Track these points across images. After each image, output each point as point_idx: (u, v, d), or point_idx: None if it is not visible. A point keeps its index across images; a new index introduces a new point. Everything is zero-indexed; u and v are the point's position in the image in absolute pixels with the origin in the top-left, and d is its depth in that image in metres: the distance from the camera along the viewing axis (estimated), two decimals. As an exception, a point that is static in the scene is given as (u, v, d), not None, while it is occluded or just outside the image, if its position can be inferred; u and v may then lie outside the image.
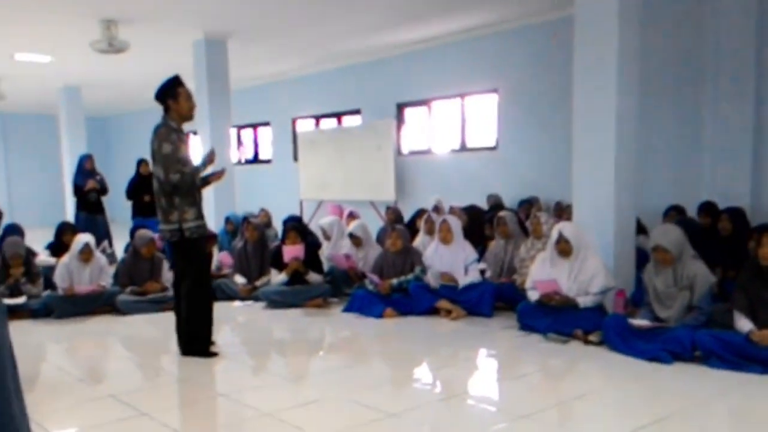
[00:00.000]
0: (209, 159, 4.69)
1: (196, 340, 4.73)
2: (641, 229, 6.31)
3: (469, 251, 6.06)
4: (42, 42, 9.48)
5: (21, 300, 6.09)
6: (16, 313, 5.96)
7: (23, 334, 5.56)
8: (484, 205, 8.57)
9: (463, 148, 10.18)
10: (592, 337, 4.78)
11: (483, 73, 9.66)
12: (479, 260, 6.18)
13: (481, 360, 4.76)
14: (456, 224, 6.15)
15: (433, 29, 9.46)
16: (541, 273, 5.20)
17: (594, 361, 4.47)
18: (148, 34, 8.86)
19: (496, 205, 8.38)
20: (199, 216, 4.63)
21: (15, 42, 9.43)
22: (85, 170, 9.44)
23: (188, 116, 4.63)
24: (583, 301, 4.96)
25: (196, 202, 4.62)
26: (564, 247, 5.08)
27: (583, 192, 5.64)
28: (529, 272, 5.37)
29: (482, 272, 6.11)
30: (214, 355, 4.74)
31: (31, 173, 17.83)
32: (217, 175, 4.78)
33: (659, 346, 4.33)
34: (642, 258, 5.55)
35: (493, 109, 9.71)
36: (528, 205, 8.27)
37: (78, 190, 9.39)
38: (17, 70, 11.37)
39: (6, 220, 7.84)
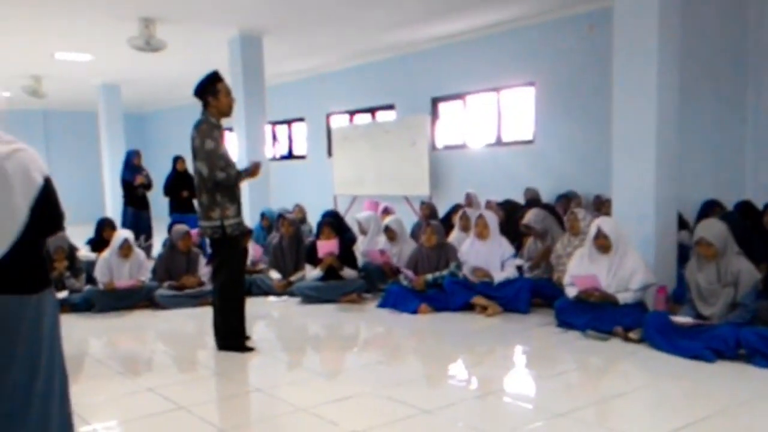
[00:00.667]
0: (252, 172, 4.70)
1: (229, 335, 4.77)
2: (683, 224, 6.16)
3: (505, 246, 5.99)
4: (82, 41, 9.63)
5: (63, 294, 6.22)
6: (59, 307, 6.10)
7: (65, 327, 5.58)
8: (520, 199, 8.46)
9: (499, 142, 10.07)
10: (632, 335, 4.68)
11: (519, 65, 9.53)
12: (515, 256, 6.10)
13: (518, 357, 4.71)
14: (492, 219, 6.09)
15: (467, 22, 9.36)
16: (580, 269, 5.11)
17: (634, 359, 4.38)
18: (184, 31, 8.94)
19: (533, 199, 8.27)
20: (239, 213, 4.67)
21: (55, 41, 9.60)
22: (133, 166, 9.55)
23: (227, 112, 4.65)
24: (623, 298, 4.86)
25: (237, 199, 4.65)
26: (603, 243, 4.98)
27: (623, 186, 5.53)
28: (567, 268, 5.28)
29: (519, 268, 6.03)
30: (249, 350, 4.77)
31: (71, 170, 18.04)
32: (252, 172, 4.75)
33: (702, 344, 4.21)
34: (684, 254, 5.42)
35: (529, 103, 9.58)
36: (566, 199, 8.13)
37: (126, 185, 9.50)
38: (58, 68, 11.59)
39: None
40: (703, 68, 7.34)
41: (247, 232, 4.88)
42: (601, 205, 7.39)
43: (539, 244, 6.22)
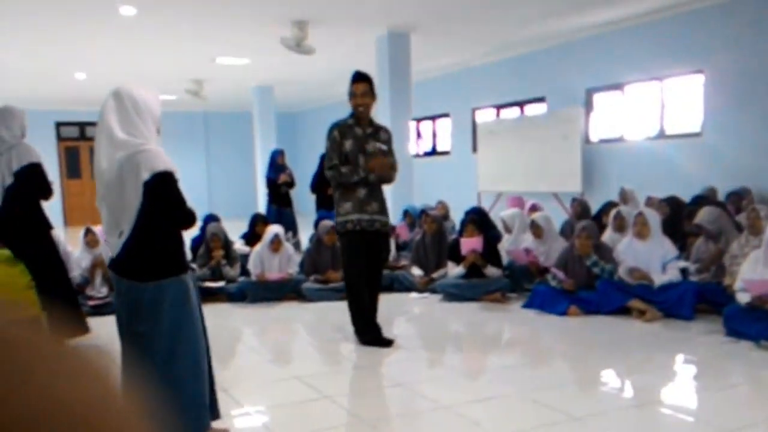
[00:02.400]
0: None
1: (357, 330, 4.83)
2: None
3: (668, 247, 5.51)
4: (240, 46, 10.17)
5: (221, 284, 6.58)
6: (216, 295, 6.46)
7: (222, 316, 5.98)
8: (686, 196, 7.77)
9: (662, 134, 9.38)
10: (817, 348, 4.13)
11: (685, 53, 8.82)
12: (680, 257, 5.60)
13: (679, 367, 4.30)
14: (653, 217, 5.62)
15: (624, 10, 8.82)
16: (754, 273, 4.59)
17: (820, 375, 3.86)
18: (335, 32, 9.16)
19: (702, 196, 7.55)
20: (350, 211, 4.67)
21: (216, 47, 10.21)
22: (277, 165, 9.92)
23: (355, 112, 4.75)
24: (806, 306, 4.30)
25: (350, 198, 4.67)
26: (782, 244, 4.44)
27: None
28: (740, 271, 4.76)
29: (683, 271, 5.53)
30: (387, 343, 4.73)
31: (227, 167, 19.18)
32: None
33: None
34: None
35: (697, 92, 8.84)
36: (737, 197, 7.38)
37: (271, 183, 9.90)
38: (218, 72, 12.33)
39: (205, 212, 8.48)
40: None
41: (377, 230, 4.81)
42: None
43: (710, 246, 5.66)
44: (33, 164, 4.39)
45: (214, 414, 2.95)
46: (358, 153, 4.69)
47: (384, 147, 4.76)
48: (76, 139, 17.55)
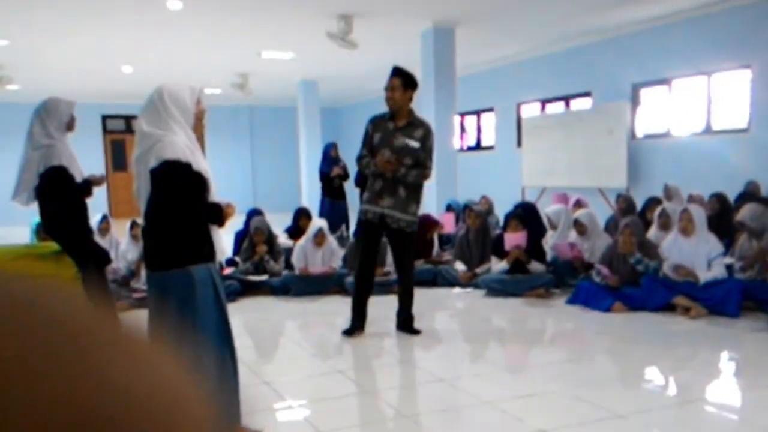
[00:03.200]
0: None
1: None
2: None
3: (713, 244, 5.43)
4: (285, 40, 10.30)
5: (264, 277, 6.68)
6: (259, 289, 6.58)
7: (266, 309, 6.11)
8: (732, 193, 7.63)
9: (708, 130, 9.21)
10: None
11: (733, 48, 8.64)
12: (725, 254, 5.52)
13: (724, 364, 4.26)
14: (699, 214, 5.55)
15: (670, 4, 8.68)
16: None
17: None
18: (380, 26, 9.21)
19: (747, 193, 7.43)
20: (364, 202, 4.91)
21: (261, 41, 10.35)
22: (330, 157, 9.93)
23: (388, 105, 4.81)
24: None
25: (370, 190, 4.84)
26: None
27: None
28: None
29: (728, 267, 5.45)
30: (415, 332, 4.89)
31: (272, 161, 19.24)
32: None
33: None
34: None
35: (745, 87, 8.65)
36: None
37: (324, 176, 9.94)
38: (263, 66, 12.49)
39: (249, 205, 8.61)
40: None
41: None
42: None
43: (753, 243, 5.57)
44: (54, 167, 4.20)
45: (234, 421, 2.82)
46: (383, 146, 4.73)
47: (413, 143, 4.72)
48: (122, 132, 17.83)
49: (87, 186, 4.43)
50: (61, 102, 4.33)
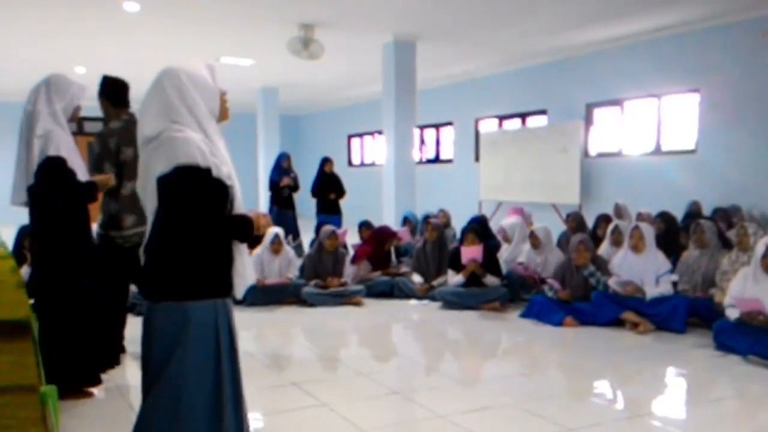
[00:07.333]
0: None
1: None
2: None
3: (661, 261, 5.62)
4: (245, 47, 10.23)
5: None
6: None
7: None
8: (678, 212, 7.90)
9: (658, 150, 9.51)
10: (805, 366, 4.22)
11: (683, 71, 8.97)
12: (672, 271, 5.71)
13: (671, 379, 4.39)
14: (649, 232, 5.73)
15: (625, 28, 8.98)
16: (742, 290, 4.69)
17: (807, 392, 3.95)
18: (340, 37, 9.24)
19: (692, 212, 7.70)
20: None
21: (221, 47, 10.25)
22: (281, 168, 9.99)
23: None
24: (795, 325, 4.39)
25: None
26: (772, 263, 4.54)
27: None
28: (729, 288, 4.86)
29: (674, 284, 5.64)
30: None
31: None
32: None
33: None
34: None
35: (693, 110, 8.98)
36: (723, 213, 7.51)
37: (273, 185, 9.97)
38: (222, 72, 12.30)
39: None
40: None
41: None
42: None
43: (703, 261, 5.77)
44: (51, 158, 3.49)
45: None
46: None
47: None
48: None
49: (92, 189, 3.72)
50: (73, 83, 3.72)
